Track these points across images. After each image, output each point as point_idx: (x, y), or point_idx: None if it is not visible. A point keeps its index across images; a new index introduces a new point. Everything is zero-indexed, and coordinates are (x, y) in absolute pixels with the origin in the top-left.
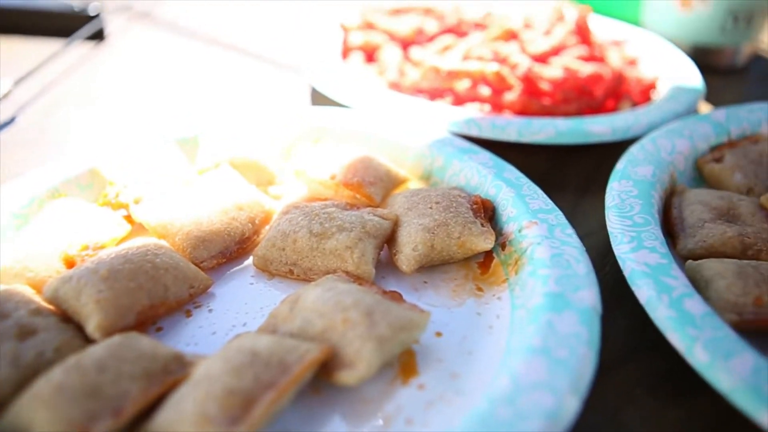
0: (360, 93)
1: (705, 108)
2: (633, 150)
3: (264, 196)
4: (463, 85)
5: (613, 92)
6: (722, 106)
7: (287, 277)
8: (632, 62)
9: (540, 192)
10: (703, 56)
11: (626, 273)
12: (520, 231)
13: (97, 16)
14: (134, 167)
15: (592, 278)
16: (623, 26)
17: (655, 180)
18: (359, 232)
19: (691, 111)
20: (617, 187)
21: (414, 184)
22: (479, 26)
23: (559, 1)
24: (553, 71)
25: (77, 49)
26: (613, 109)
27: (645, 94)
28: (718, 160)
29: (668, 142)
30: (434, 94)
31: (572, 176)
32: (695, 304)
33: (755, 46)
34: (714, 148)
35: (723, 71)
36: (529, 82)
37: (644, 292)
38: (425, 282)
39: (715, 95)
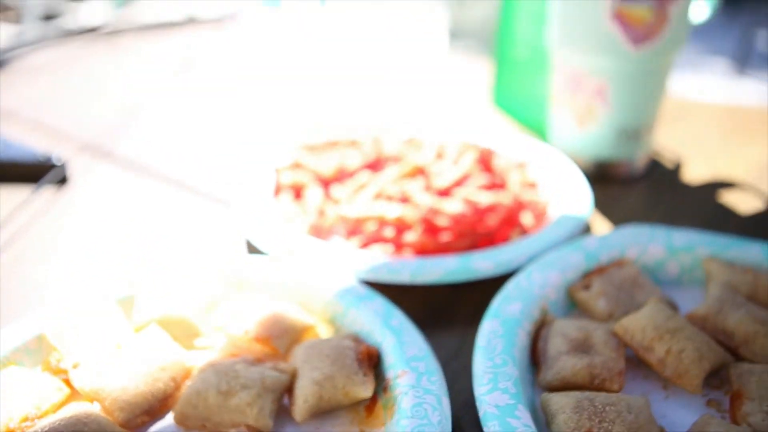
0: (277, 240)
1: (600, 222)
2: (508, 286)
3: (185, 354)
4: (370, 228)
5: (509, 221)
6: (621, 213)
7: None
8: (532, 185)
9: (418, 337)
10: (603, 169)
11: (480, 414)
12: (395, 379)
13: (61, 165)
14: (75, 331)
15: (445, 426)
16: (530, 142)
17: (523, 317)
18: (259, 389)
19: (574, 238)
20: (487, 327)
21: (322, 328)
22: (396, 159)
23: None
24: (453, 205)
25: (38, 196)
26: (506, 239)
27: (539, 219)
28: (587, 287)
29: (541, 275)
30: (351, 232)
31: (465, 307)
32: None
33: (649, 156)
34: (586, 275)
35: (623, 181)
36: (428, 222)
37: None
38: (317, 428)
39: (614, 204)
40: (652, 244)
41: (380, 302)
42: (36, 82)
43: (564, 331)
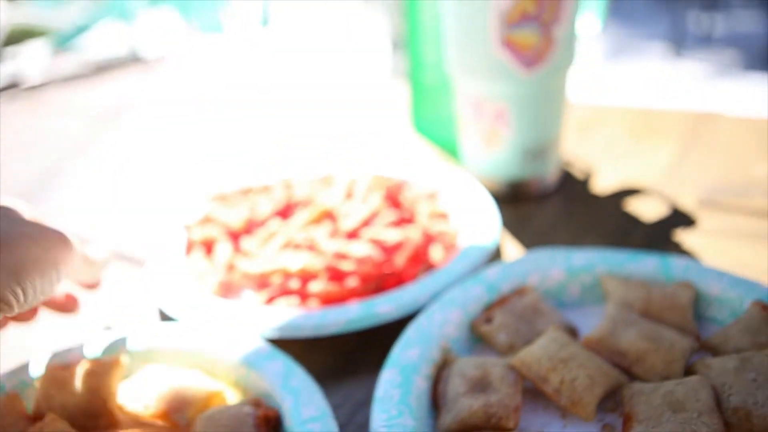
0: (182, 302)
1: (514, 244)
2: (408, 331)
3: None
4: (275, 281)
5: (416, 258)
6: (534, 233)
7: None
8: (442, 216)
9: (318, 396)
10: (515, 189)
11: None
12: None
13: None
14: None
15: None
16: (443, 169)
17: (421, 361)
18: None
19: (481, 268)
20: (385, 376)
21: (230, 392)
22: (306, 203)
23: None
24: (358, 248)
25: None
26: (414, 276)
27: (449, 250)
28: (489, 321)
29: (442, 314)
30: (260, 286)
31: (374, 352)
32: None
33: (560, 170)
34: (488, 307)
35: (536, 199)
36: (333, 269)
37: None
38: None
39: (528, 224)
40: (553, 267)
41: (281, 362)
42: None
43: (462, 370)
